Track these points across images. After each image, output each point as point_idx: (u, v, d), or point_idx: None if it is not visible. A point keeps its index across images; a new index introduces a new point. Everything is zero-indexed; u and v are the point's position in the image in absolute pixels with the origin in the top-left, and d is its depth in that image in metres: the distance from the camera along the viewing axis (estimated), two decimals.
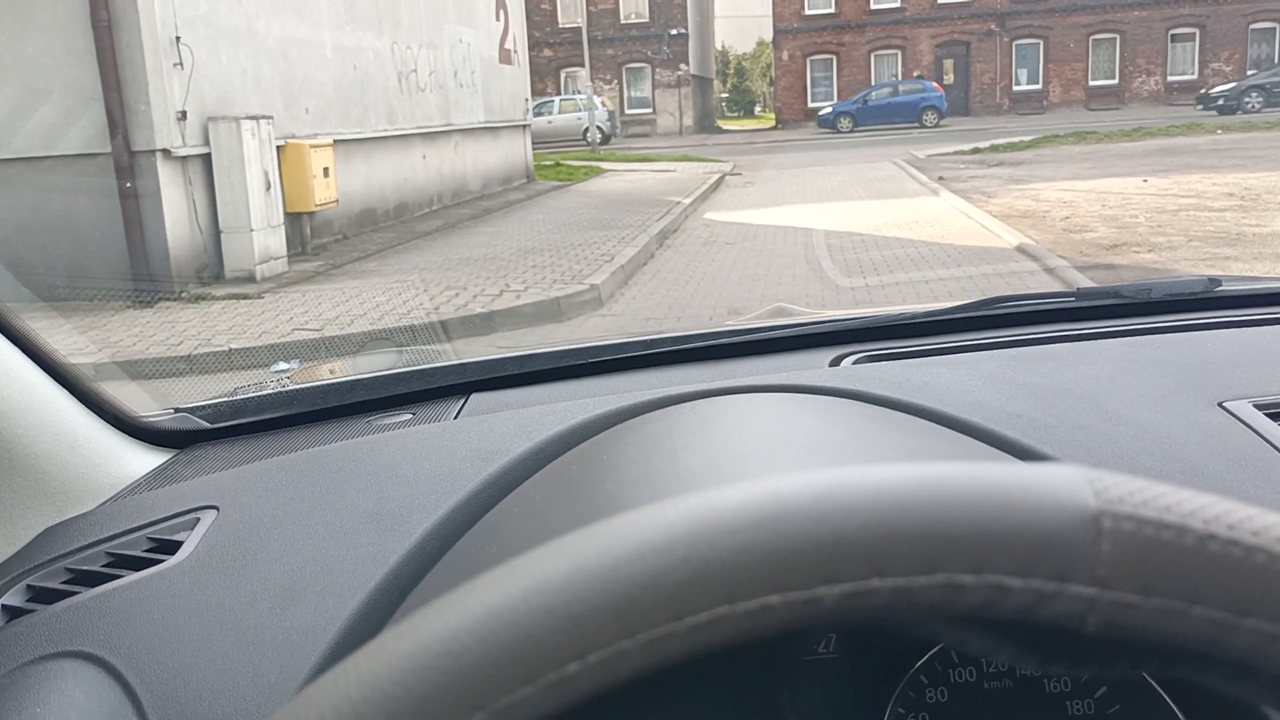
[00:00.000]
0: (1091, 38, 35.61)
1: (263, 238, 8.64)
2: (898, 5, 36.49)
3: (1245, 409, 0.93)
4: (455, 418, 1.13)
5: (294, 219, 9.55)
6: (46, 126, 7.77)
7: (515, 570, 0.36)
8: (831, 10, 36.99)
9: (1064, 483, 0.36)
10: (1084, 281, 7.15)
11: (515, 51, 17.25)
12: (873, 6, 36.68)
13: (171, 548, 0.84)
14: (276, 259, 8.84)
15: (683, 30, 37.01)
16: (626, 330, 6.76)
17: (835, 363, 1.20)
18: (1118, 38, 35.52)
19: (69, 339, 6.59)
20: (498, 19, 16.40)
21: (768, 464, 0.68)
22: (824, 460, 0.69)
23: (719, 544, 0.35)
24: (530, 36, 21.64)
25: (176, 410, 1.19)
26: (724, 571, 0.34)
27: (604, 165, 21.38)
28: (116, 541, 0.86)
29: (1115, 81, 35.81)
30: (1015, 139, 22.17)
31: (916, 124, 32.29)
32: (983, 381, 1.00)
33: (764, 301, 7.30)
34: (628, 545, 0.35)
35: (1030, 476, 0.37)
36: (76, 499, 0.97)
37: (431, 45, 13.55)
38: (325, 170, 9.70)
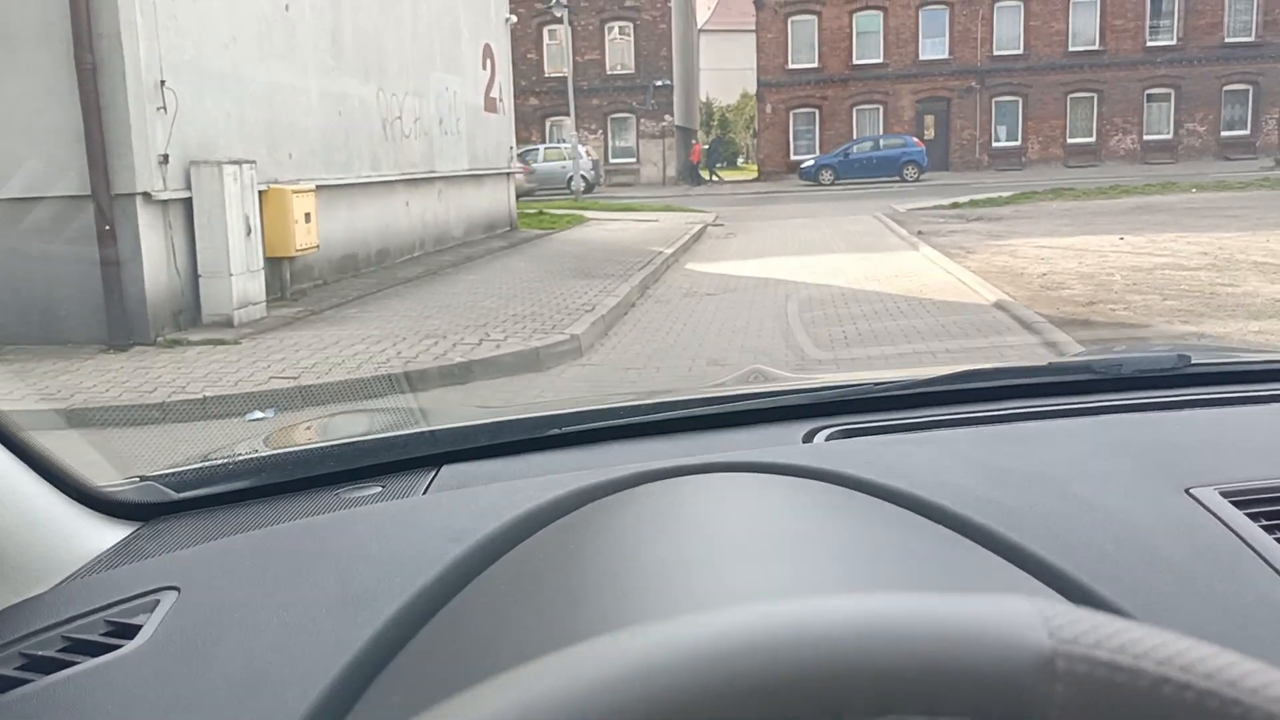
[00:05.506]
0: (1070, 96, 36.28)
1: (242, 283, 8.62)
2: (880, 61, 37.11)
3: (1211, 497, 0.94)
4: (425, 492, 1.11)
5: (274, 264, 9.53)
6: (26, 168, 7.75)
7: (465, 705, 0.35)
8: (815, 65, 37.57)
9: (1018, 620, 0.36)
10: (1061, 338, 7.21)
11: (501, 100, 17.40)
12: (855, 62, 37.28)
13: (130, 631, 0.81)
14: (255, 304, 8.81)
15: (668, 82, 37.46)
16: (605, 380, 6.76)
17: (808, 437, 1.20)
18: (1095, 97, 36.21)
19: (40, 384, 6.52)
20: (484, 68, 16.56)
21: (731, 565, 0.67)
22: (788, 563, 0.69)
23: (664, 684, 0.34)
24: (516, 85, 21.84)
25: (142, 479, 1.17)
26: (668, 715, 0.34)
27: (587, 214, 21.51)
28: (73, 625, 0.84)
29: (1093, 140, 36.44)
30: (994, 195, 22.48)
31: (897, 178, 32.72)
32: (953, 462, 1.00)
33: (743, 353, 7.32)
34: (575, 686, 0.35)
35: (985, 613, 0.37)
36: (35, 578, 0.94)
37: (417, 93, 13.66)
38: (307, 216, 9.71)
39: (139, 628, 0.82)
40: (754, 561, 0.68)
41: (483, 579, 0.82)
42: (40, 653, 0.81)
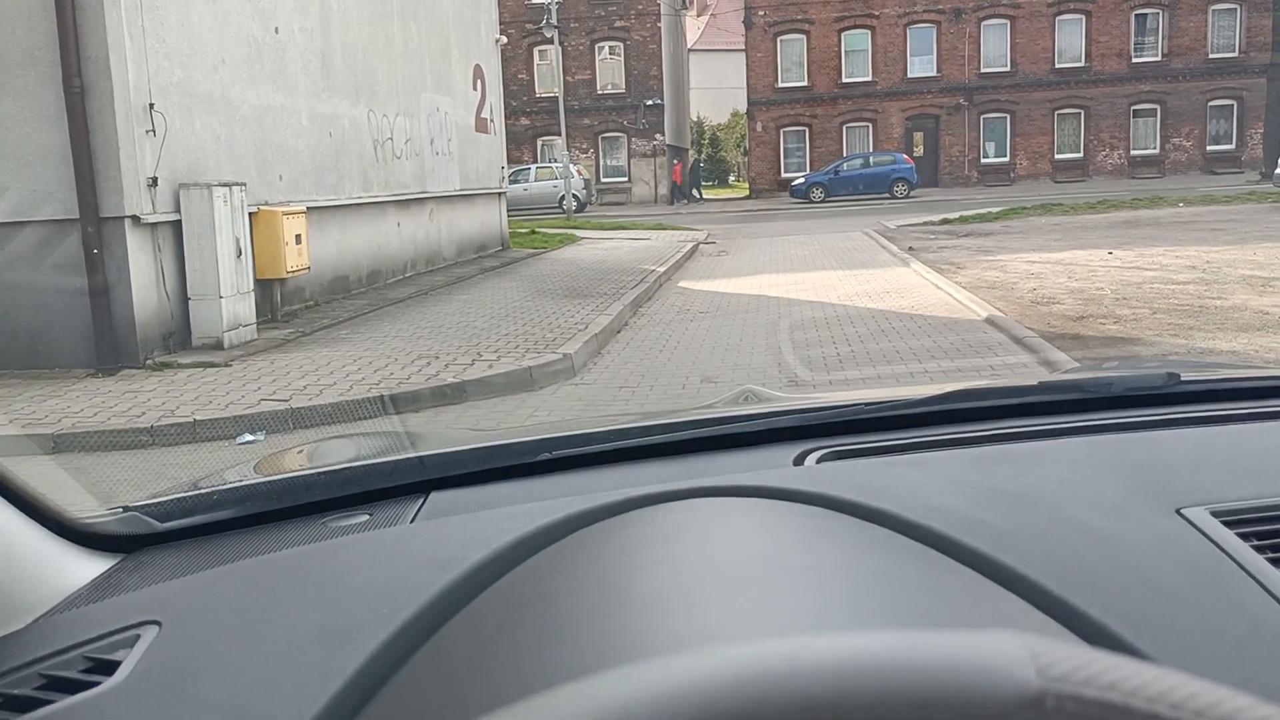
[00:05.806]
0: (1057, 112, 36.53)
1: (232, 305, 8.60)
2: (869, 79, 37.34)
3: (1202, 516, 0.93)
4: (413, 520, 1.10)
5: (264, 286, 9.52)
6: (12, 191, 7.73)
7: None
8: (804, 83, 37.79)
9: (1006, 657, 0.36)
10: (1053, 355, 7.23)
11: (492, 120, 17.45)
12: (845, 80, 37.50)
13: (109, 668, 0.80)
14: (245, 326, 8.79)
15: (658, 101, 37.63)
16: (598, 399, 6.75)
17: (799, 460, 1.19)
18: (1082, 113, 36.47)
19: (27, 409, 6.48)
20: (475, 88, 16.61)
21: (719, 598, 0.67)
22: (778, 594, 0.68)
23: None
24: (507, 105, 21.91)
25: (125, 509, 1.15)
26: None
27: (579, 233, 21.55)
28: (51, 662, 0.82)
29: (1080, 155, 36.67)
30: (983, 210, 22.59)
31: (887, 195, 32.87)
32: (944, 484, 1.00)
33: (736, 371, 7.32)
34: None
35: (972, 651, 0.36)
36: (11, 615, 0.92)
37: (408, 113, 13.69)
38: (297, 237, 9.70)
39: (118, 664, 0.80)
40: (743, 594, 0.68)
41: (470, 610, 0.81)
42: (16, 691, 0.79)
